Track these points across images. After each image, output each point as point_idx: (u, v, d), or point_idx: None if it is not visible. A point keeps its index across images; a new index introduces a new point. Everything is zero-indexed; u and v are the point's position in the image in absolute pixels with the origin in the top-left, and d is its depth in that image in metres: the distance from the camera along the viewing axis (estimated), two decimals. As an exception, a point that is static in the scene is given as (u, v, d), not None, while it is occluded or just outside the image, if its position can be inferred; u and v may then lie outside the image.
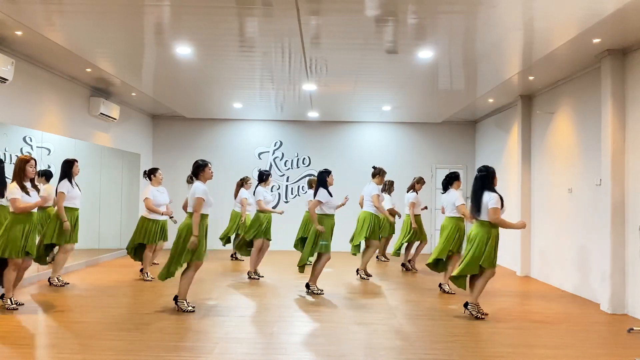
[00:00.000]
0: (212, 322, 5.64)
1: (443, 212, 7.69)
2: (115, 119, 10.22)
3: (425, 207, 10.08)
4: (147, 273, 8.08)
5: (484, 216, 5.92)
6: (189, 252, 5.85)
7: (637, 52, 6.31)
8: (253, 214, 8.76)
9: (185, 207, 6.10)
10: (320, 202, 7.11)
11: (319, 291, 7.24)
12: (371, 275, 8.70)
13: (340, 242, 9.56)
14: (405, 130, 12.95)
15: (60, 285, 7.36)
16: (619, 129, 6.54)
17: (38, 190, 6.13)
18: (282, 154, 12.98)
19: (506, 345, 5.02)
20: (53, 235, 7.11)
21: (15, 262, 5.86)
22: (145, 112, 12.37)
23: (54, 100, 8.48)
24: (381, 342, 5.01)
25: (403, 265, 9.74)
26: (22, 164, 5.94)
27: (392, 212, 9.47)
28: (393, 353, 4.68)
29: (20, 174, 5.91)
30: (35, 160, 6.08)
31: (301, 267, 7.38)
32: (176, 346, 4.74)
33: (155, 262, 9.12)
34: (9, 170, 6.41)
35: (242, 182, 10.15)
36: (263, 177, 8.54)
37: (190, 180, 6.15)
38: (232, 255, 10.78)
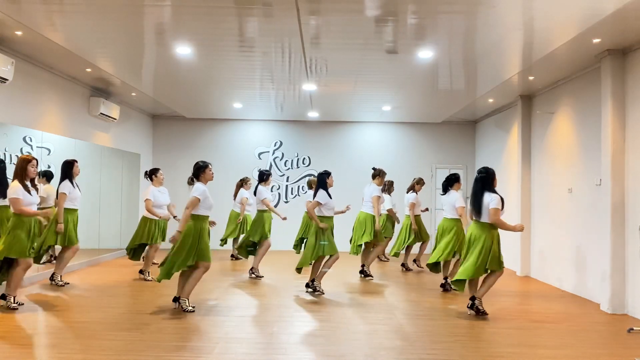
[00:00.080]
0: (212, 322, 5.64)
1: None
2: (115, 119, 10.22)
3: (427, 209, 10.08)
4: (148, 272, 8.09)
5: (484, 217, 5.95)
6: (193, 256, 5.84)
7: (637, 52, 6.32)
8: (253, 214, 8.76)
9: None
10: (319, 203, 7.10)
11: (321, 291, 7.25)
12: (373, 277, 8.69)
13: (340, 242, 9.55)
14: (405, 130, 12.94)
15: (61, 285, 7.36)
16: (619, 129, 6.54)
17: (37, 190, 6.14)
18: (282, 154, 12.98)
19: (506, 345, 5.02)
20: (56, 237, 7.12)
21: (26, 262, 5.88)
22: (145, 112, 12.37)
23: (54, 100, 8.48)
24: (381, 342, 5.01)
25: (403, 265, 9.74)
26: (24, 163, 5.94)
27: (392, 215, 9.44)
28: (393, 353, 4.68)
29: (21, 174, 5.91)
30: (36, 160, 6.08)
31: (299, 269, 7.34)
32: (176, 346, 4.75)
33: (155, 262, 9.11)
34: (9, 171, 6.42)
35: (242, 183, 10.15)
36: (264, 176, 8.54)
37: (191, 182, 6.13)
38: (232, 255, 10.78)
